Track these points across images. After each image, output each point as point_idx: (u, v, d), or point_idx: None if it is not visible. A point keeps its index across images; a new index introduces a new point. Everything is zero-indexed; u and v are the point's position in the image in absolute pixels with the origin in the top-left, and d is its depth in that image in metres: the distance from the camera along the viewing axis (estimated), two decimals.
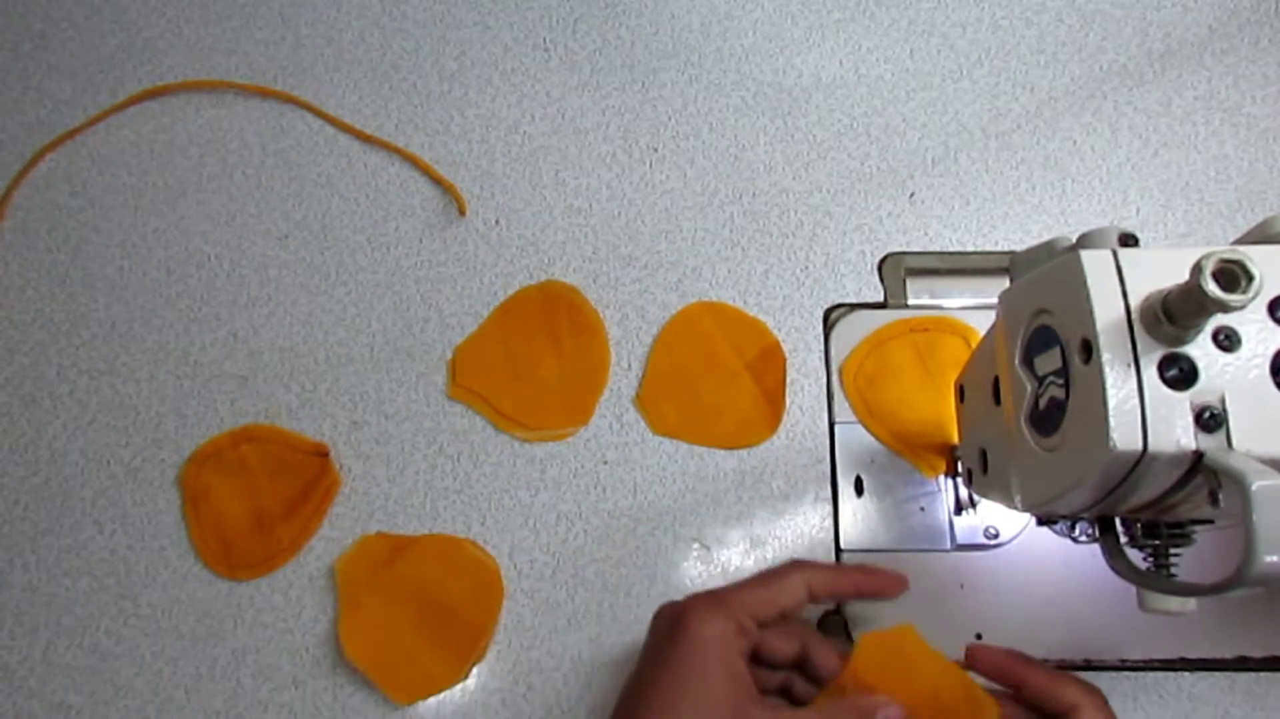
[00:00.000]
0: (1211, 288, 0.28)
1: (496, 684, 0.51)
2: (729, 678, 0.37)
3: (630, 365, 0.57)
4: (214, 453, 0.55)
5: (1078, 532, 0.45)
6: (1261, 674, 0.50)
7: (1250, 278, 0.28)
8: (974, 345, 0.55)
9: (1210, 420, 0.31)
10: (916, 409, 0.55)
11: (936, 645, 0.51)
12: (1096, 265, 0.33)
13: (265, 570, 0.53)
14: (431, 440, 0.56)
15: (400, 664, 0.51)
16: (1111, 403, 0.31)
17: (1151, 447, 0.31)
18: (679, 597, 0.40)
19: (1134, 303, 0.32)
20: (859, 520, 0.54)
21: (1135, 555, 0.38)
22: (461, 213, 0.61)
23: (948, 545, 0.53)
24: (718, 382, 0.56)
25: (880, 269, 0.59)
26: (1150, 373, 0.32)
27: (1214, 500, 0.32)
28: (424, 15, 0.66)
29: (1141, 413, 0.31)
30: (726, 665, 0.38)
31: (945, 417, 0.54)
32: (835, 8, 0.66)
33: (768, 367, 0.56)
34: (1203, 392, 0.31)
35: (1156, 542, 0.38)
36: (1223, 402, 0.31)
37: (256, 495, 0.54)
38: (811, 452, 0.55)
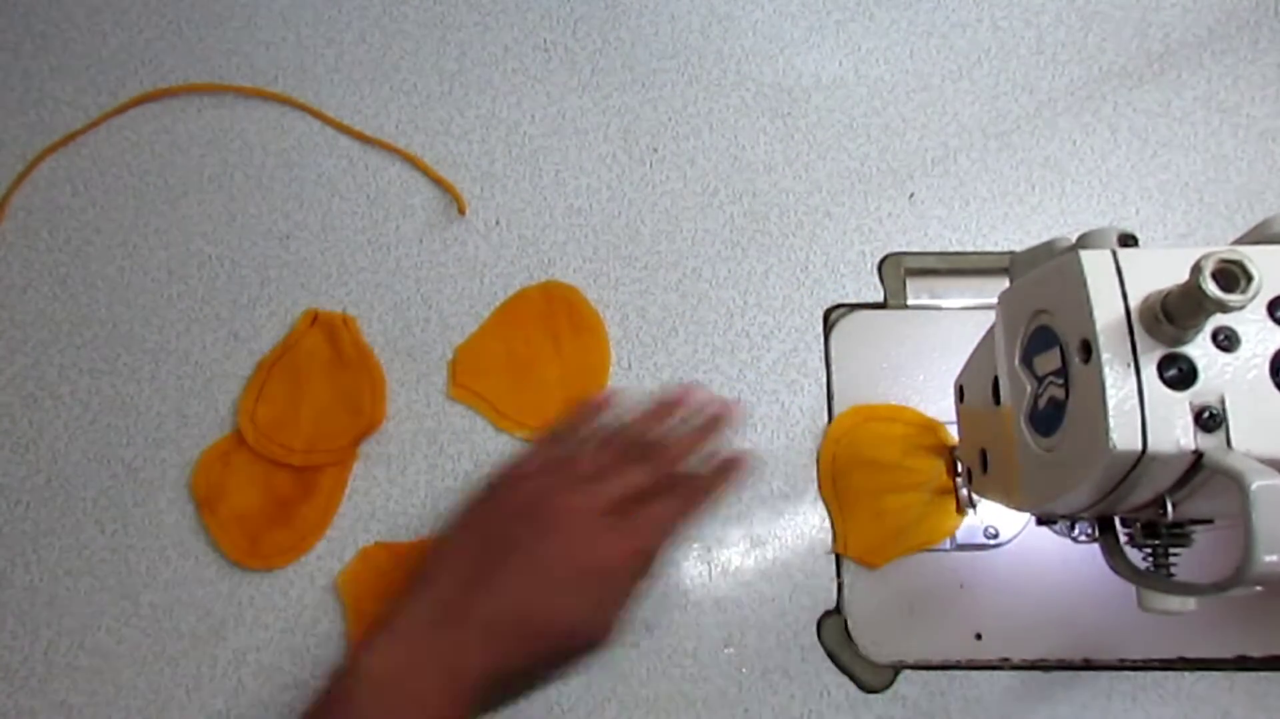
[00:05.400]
0: (1211, 288, 0.28)
1: None
2: None
3: (630, 365, 0.57)
4: (228, 449, 0.55)
5: (1077, 532, 0.45)
6: (1261, 674, 0.50)
7: (1249, 278, 0.29)
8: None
9: (1210, 420, 0.31)
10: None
11: (937, 645, 0.51)
12: (1096, 265, 0.33)
13: (298, 554, 0.53)
14: (432, 440, 0.56)
15: None
16: (1111, 403, 0.31)
17: (1151, 447, 0.31)
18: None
19: (1133, 303, 0.32)
20: None
21: (1135, 555, 0.38)
22: (461, 213, 0.61)
23: (947, 545, 0.53)
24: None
25: (880, 269, 0.59)
26: (1150, 373, 0.32)
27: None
28: (424, 16, 0.66)
29: (1141, 413, 0.31)
30: None
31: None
32: (835, 8, 0.66)
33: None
34: (1202, 392, 0.31)
35: (1156, 541, 0.38)
36: (1222, 402, 0.31)
37: (271, 484, 0.54)
38: (811, 452, 0.55)
